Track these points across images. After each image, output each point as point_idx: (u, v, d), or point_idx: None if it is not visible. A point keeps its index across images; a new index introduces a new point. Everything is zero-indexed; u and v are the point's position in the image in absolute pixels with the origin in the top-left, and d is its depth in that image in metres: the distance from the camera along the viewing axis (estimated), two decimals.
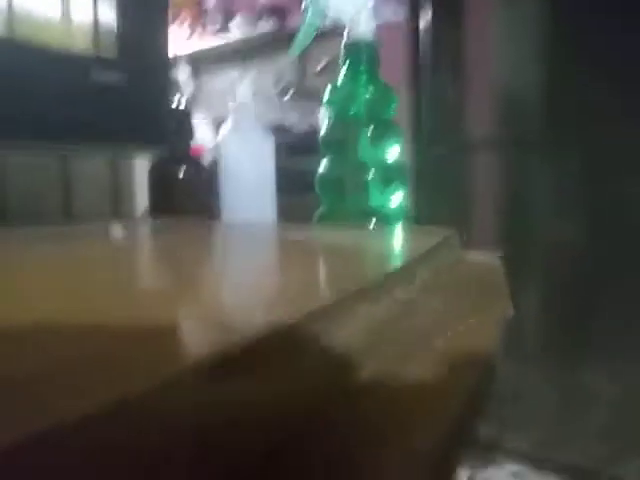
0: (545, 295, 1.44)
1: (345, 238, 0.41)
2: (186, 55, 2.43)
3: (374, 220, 0.54)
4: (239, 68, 2.24)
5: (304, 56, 2.23)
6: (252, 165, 0.61)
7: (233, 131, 0.62)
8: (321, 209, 0.56)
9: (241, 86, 0.64)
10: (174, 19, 2.51)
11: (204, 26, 2.39)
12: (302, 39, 0.58)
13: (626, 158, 1.29)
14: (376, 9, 0.55)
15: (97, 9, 0.49)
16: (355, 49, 0.55)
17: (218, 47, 2.31)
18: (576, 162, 1.37)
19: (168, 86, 0.63)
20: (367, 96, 0.55)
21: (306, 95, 2.03)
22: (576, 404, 1.37)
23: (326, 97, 0.57)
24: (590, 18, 1.31)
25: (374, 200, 0.55)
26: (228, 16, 2.34)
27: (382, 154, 0.55)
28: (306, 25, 0.56)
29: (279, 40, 2.23)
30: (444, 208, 1.43)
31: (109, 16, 0.51)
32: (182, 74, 2.58)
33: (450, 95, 1.45)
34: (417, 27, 1.45)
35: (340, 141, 0.56)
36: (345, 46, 0.56)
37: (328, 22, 0.56)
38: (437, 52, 1.45)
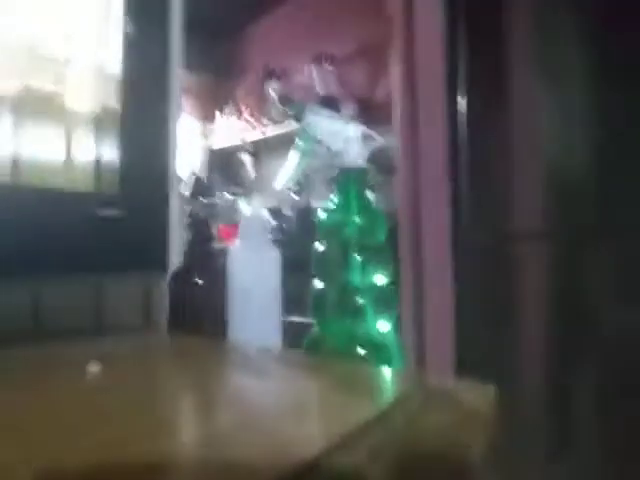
0: (601, 395, 1.32)
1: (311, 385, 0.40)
2: (248, 144, 2.59)
3: (362, 350, 0.53)
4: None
5: None
6: (259, 280, 0.63)
7: (242, 243, 0.65)
8: (313, 331, 0.57)
9: (251, 203, 0.67)
10: (238, 110, 2.73)
11: (265, 116, 2.56)
12: (293, 171, 0.61)
13: None
14: (365, 139, 0.57)
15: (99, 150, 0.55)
16: (346, 176, 0.57)
17: (278, 136, 2.44)
18: (635, 249, 1.27)
19: (167, 215, 0.69)
20: (358, 222, 0.56)
21: None
22: None
23: (318, 221, 0.59)
24: None
25: (365, 324, 0.55)
26: (287, 106, 2.48)
27: (372, 278, 0.55)
28: (298, 157, 0.60)
29: None
30: (489, 300, 1.37)
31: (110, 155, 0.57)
32: (244, 162, 2.76)
33: (493, 183, 1.42)
34: (456, 111, 1.45)
35: (331, 265, 0.56)
36: (337, 173, 0.58)
37: (320, 152, 0.59)
38: (477, 136, 1.44)
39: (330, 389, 0.38)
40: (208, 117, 2.91)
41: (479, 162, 1.45)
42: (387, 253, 0.57)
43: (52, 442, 0.21)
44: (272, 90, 2.60)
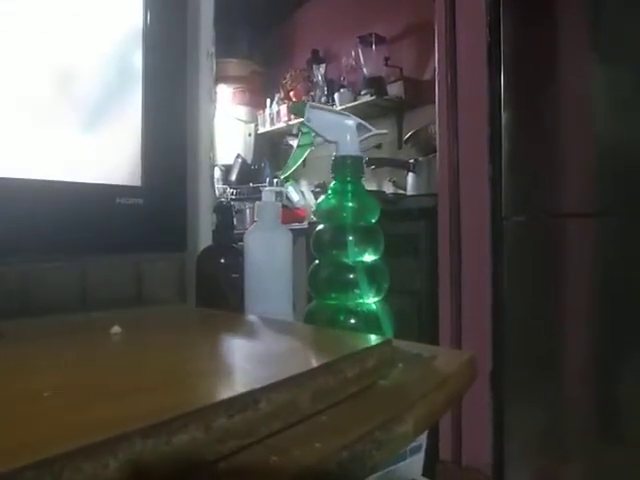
0: None
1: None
2: (294, 127, 2.62)
3: (353, 320, 0.56)
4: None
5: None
6: (270, 259, 0.66)
7: (257, 228, 0.67)
8: (311, 304, 0.60)
9: (265, 191, 0.69)
10: (287, 96, 2.76)
11: (312, 98, 2.57)
12: (293, 161, 0.62)
13: None
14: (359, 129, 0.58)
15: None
16: (342, 164, 0.59)
17: None
18: None
19: (196, 203, 0.73)
20: (352, 206, 0.58)
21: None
22: None
23: (316, 207, 0.61)
24: None
25: (356, 298, 0.58)
26: (334, 89, 2.49)
27: (363, 256, 0.58)
28: (298, 148, 0.61)
29: (377, 107, 2.32)
30: (530, 278, 1.34)
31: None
32: (293, 146, 2.79)
33: (536, 165, 1.38)
34: (498, 92, 1.42)
35: (329, 245, 0.59)
36: (333, 163, 0.59)
37: (318, 141, 0.60)
38: (520, 118, 1.39)
39: (295, 348, 0.43)
40: (260, 105, 2.97)
41: (521, 144, 1.41)
42: (378, 234, 0.60)
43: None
44: (319, 73, 2.61)
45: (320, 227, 0.58)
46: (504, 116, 1.42)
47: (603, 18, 1.36)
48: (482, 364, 1.37)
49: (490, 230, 1.43)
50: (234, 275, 0.73)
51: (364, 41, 2.37)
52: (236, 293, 0.69)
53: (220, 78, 2.70)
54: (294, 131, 2.72)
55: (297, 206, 2.36)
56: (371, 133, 0.59)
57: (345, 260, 0.56)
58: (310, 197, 2.40)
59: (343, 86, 2.44)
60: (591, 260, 1.33)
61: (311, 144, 0.59)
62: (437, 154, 1.54)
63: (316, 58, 2.66)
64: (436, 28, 1.57)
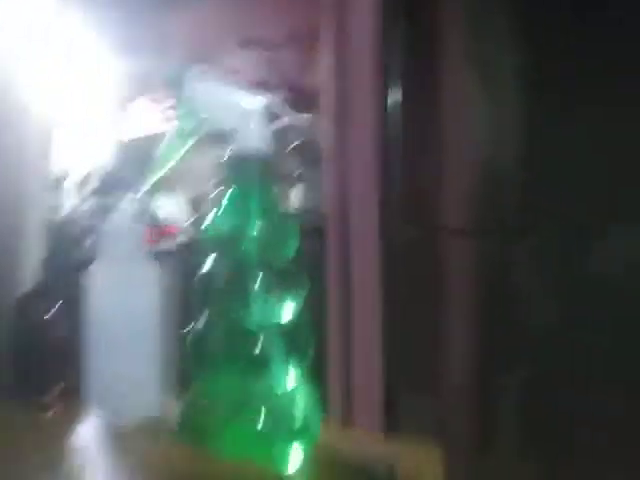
0: (527, 386, 1.37)
1: None
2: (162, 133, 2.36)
3: (261, 417, 0.36)
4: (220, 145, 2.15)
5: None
6: (125, 307, 0.44)
7: (103, 258, 0.45)
8: (191, 391, 0.39)
9: (118, 211, 0.47)
10: (158, 98, 2.47)
11: None
12: (168, 147, 0.41)
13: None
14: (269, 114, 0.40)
15: None
16: (242, 166, 0.39)
17: None
18: (556, 245, 1.32)
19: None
20: (259, 230, 0.39)
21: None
22: None
23: (205, 230, 0.41)
24: (579, 88, 1.29)
25: (267, 378, 0.38)
26: None
27: (277, 312, 0.39)
28: (175, 131, 0.41)
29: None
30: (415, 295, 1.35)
31: None
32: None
33: (424, 179, 1.38)
34: (386, 104, 1.39)
35: (222, 295, 0.39)
36: (229, 162, 0.40)
37: (205, 129, 0.40)
38: (409, 131, 1.38)
39: None
40: (124, 105, 2.63)
41: (410, 157, 1.42)
42: (299, 274, 0.40)
43: None
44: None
45: (210, 261, 0.38)
46: (397, 128, 1.40)
47: (484, 36, 1.40)
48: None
49: (380, 248, 1.39)
50: (65, 336, 0.49)
51: (246, 44, 2.22)
52: (67, 367, 0.46)
53: None
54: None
55: (166, 223, 2.08)
56: (288, 120, 0.39)
57: (248, 320, 0.35)
58: (186, 209, 2.14)
59: None
60: (472, 276, 1.39)
61: (192, 132, 0.38)
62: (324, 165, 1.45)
63: (193, 58, 2.44)
64: (324, 35, 1.52)
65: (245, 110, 0.38)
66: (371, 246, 1.32)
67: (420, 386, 1.34)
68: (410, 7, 1.40)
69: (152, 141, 2.54)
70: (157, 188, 2.27)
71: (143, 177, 2.50)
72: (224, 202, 0.38)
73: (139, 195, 2.28)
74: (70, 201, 2.19)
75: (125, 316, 0.41)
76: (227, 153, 0.36)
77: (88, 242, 1.89)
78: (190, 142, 0.39)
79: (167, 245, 1.70)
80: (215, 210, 0.38)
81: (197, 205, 2.11)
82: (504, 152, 1.35)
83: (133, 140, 2.65)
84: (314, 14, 1.75)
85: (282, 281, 0.38)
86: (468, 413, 1.39)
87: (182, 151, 0.39)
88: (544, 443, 1.23)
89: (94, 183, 2.36)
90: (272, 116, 0.36)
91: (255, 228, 0.37)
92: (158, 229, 1.90)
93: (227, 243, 0.36)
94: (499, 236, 1.30)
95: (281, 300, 0.37)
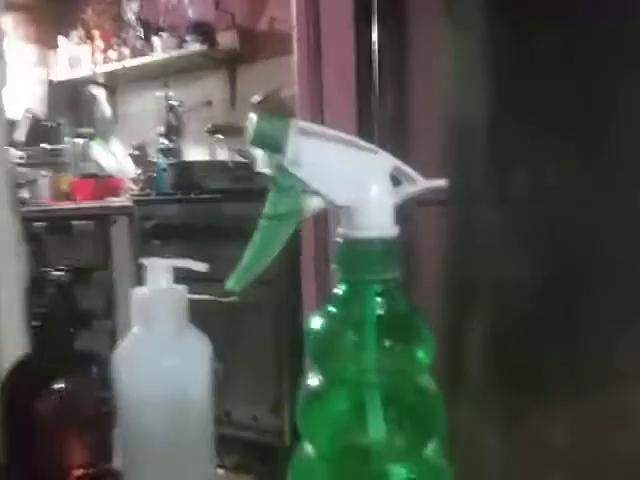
0: (493, 331, 1.37)
1: None
2: (101, 75, 2.15)
3: None
4: (162, 89, 1.98)
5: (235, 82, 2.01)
6: (167, 398, 0.33)
7: (142, 343, 0.34)
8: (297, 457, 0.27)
9: (152, 270, 0.35)
10: (88, 35, 2.24)
11: (123, 43, 2.13)
12: (263, 237, 0.28)
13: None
14: None
15: None
16: (361, 256, 0.27)
17: (138, 66, 2.05)
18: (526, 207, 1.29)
19: None
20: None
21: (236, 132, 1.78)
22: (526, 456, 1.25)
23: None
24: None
25: None
26: (151, 32, 2.09)
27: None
28: (273, 221, 0.28)
29: (208, 58, 2.00)
30: None
31: None
32: (97, 97, 2.30)
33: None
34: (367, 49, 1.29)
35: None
36: (339, 248, 0.28)
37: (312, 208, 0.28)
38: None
39: None
40: (50, 43, 2.36)
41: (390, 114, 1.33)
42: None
43: None
44: (131, 12, 2.16)
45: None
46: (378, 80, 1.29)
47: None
48: None
49: None
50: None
51: None
52: None
53: None
54: (100, 79, 2.22)
55: (109, 173, 1.92)
56: (423, 185, 0.29)
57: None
58: (127, 162, 1.98)
59: (162, 29, 2.05)
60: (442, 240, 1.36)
61: (299, 212, 0.26)
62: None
63: None
64: None
65: (367, 177, 0.25)
66: None
67: None
68: None
69: (84, 83, 2.32)
70: (92, 137, 2.08)
71: (76, 123, 2.29)
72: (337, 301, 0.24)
73: (76, 141, 2.09)
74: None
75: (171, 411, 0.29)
76: (339, 234, 0.25)
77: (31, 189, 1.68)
78: (294, 226, 0.25)
79: (115, 200, 1.54)
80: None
81: (138, 158, 1.95)
82: (474, 109, 1.30)
83: (63, 82, 2.37)
84: None
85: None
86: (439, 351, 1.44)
87: (283, 237, 0.26)
88: (512, 377, 1.26)
89: (23, 132, 2.13)
90: (400, 181, 0.25)
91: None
92: (100, 181, 1.75)
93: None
94: (469, 203, 1.26)
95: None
